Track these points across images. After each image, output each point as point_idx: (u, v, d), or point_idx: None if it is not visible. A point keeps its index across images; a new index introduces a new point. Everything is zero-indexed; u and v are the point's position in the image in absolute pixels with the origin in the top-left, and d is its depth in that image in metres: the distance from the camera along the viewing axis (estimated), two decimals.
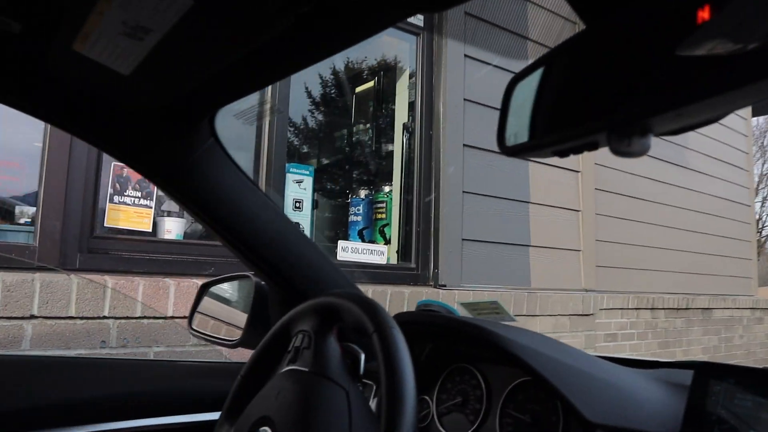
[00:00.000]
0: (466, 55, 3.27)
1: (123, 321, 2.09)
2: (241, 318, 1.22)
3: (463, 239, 3.19)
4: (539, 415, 0.89)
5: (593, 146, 0.45)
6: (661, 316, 4.91)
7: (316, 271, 1.12)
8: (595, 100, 0.43)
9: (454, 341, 1.05)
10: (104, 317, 2.05)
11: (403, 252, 3.22)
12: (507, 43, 3.48)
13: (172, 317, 2.19)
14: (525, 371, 0.85)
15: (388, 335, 0.71)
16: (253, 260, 1.08)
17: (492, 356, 0.99)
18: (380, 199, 3.56)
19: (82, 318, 2.02)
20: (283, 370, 0.81)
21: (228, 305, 1.33)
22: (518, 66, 2.73)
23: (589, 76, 0.45)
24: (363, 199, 3.67)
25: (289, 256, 1.09)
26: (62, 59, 0.74)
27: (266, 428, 0.73)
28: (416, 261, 3.13)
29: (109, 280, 2.12)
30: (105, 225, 2.32)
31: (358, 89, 4.20)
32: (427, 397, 1.07)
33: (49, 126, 2.11)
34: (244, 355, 1.05)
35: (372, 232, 3.55)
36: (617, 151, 0.42)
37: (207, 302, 1.34)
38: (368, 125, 4.17)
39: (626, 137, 0.41)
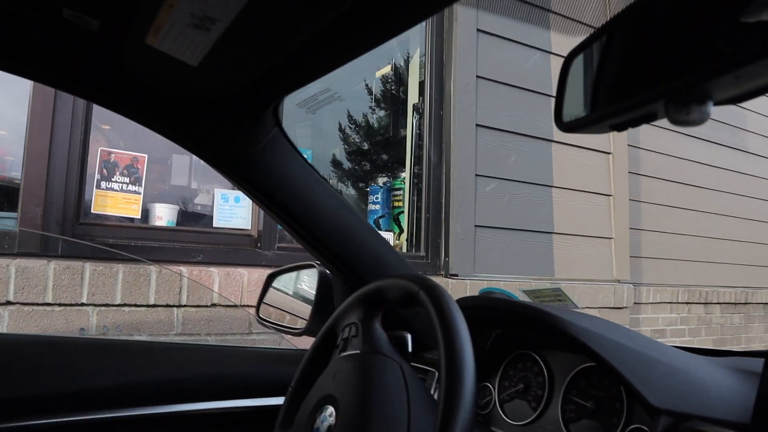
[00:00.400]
0: (478, 30, 3.09)
1: (103, 308, 2.05)
2: (306, 306, 1.29)
3: (476, 226, 3.02)
4: (602, 401, 0.88)
5: (652, 117, 0.45)
6: (716, 311, 4.59)
7: (378, 258, 1.14)
8: (652, 69, 0.44)
9: (517, 327, 1.05)
10: (83, 304, 2.03)
11: (414, 240, 3.08)
12: (524, 14, 3.27)
13: (155, 305, 2.14)
14: (588, 356, 0.85)
15: (434, 288, 0.73)
16: (317, 248, 1.11)
17: (554, 342, 0.99)
18: (397, 187, 3.46)
19: (60, 305, 2.00)
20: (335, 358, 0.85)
21: (293, 294, 1.38)
22: (536, 39, 2.57)
23: (646, 45, 0.46)
24: (381, 187, 3.58)
25: (352, 244, 1.12)
26: (136, 53, 0.78)
27: (328, 406, 0.75)
28: (426, 249, 2.98)
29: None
30: (92, 211, 2.30)
31: (378, 73, 4.10)
32: (489, 384, 1.08)
33: (29, 112, 2.09)
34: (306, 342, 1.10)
35: (389, 220, 3.45)
36: (676, 120, 0.42)
37: (273, 291, 1.41)
38: (387, 110, 4.05)
39: (685, 105, 0.41)
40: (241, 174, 1.01)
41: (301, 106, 4.03)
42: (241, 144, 0.98)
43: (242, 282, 2.33)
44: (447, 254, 2.96)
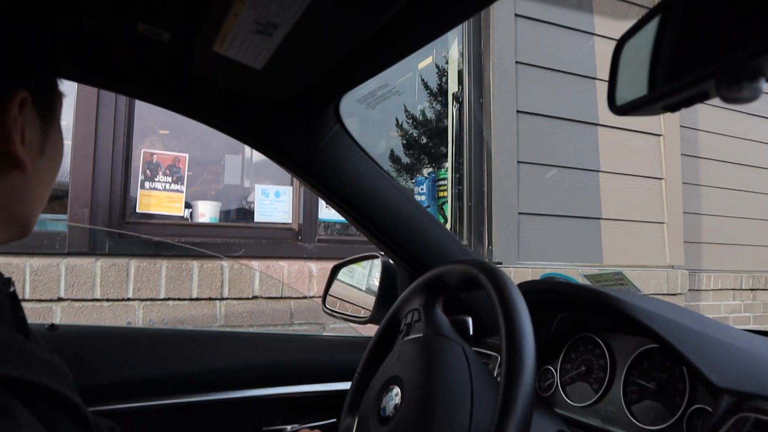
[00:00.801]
0: (516, 15, 3.02)
1: (148, 303, 2.10)
2: (370, 295, 1.34)
3: (519, 213, 2.96)
4: (665, 382, 0.88)
5: (704, 96, 0.45)
6: None
7: (440, 246, 1.17)
8: (703, 47, 0.44)
9: (579, 310, 1.05)
10: (129, 299, 2.08)
11: (457, 229, 3.04)
12: None
13: (198, 299, 2.18)
14: (650, 337, 0.86)
15: (494, 271, 0.75)
16: (380, 238, 1.15)
17: (615, 325, 0.99)
18: (442, 177, 3.44)
19: (108, 300, 2.05)
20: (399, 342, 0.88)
21: (357, 284, 1.42)
22: (577, 21, 2.50)
23: (697, 24, 0.46)
24: (426, 178, 3.57)
25: (414, 233, 1.15)
26: (204, 60, 0.83)
27: (394, 386, 0.78)
28: (469, 238, 2.94)
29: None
30: (137, 210, 2.35)
31: (420, 65, 4.08)
32: (551, 367, 1.09)
33: (74, 120, 2.16)
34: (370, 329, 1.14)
35: (434, 210, 3.43)
36: (728, 98, 0.42)
37: (339, 281, 1.46)
38: (430, 101, 4.03)
39: (736, 83, 0.41)
40: (306, 170, 1.06)
41: (361, 102, 4.05)
42: (305, 141, 1.03)
43: (283, 274, 2.35)
44: (491, 242, 2.91)
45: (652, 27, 0.50)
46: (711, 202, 4.00)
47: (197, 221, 2.49)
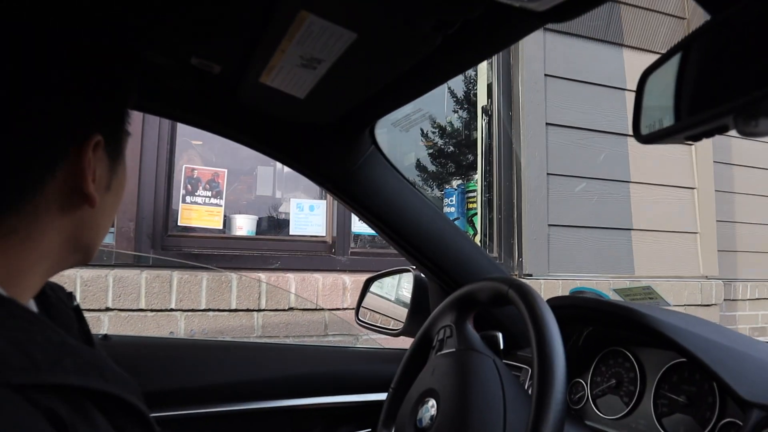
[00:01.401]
0: (545, 29, 3.05)
1: (189, 313, 2.18)
2: (402, 308, 1.37)
3: (549, 225, 2.97)
4: (695, 395, 0.89)
5: (724, 129, 0.48)
6: None
7: (471, 262, 1.20)
8: (723, 84, 0.47)
9: (606, 324, 1.07)
10: (171, 310, 2.16)
11: (487, 241, 3.06)
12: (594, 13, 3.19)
13: (236, 310, 2.25)
14: (678, 352, 0.87)
15: (523, 286, 0.78)
16: (413, 254, 1.19)
17: (645, 339, 1.00)
18: (471, 189, 3.45)
19: (152, 311, 2.13)
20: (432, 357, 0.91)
21: (387, 296, 1.46)
22: (606, 32, 2.51)
23: (718, 62, 0.49)
24: (455, 189, 3.58)
25: (446, 249, 1.18)
26: (251, 90, 0.88)
27: (430, 399, 0.81)
28: (498, 250, 2.96)
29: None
30: (179, 224, 2.44)
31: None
32: (581, 380, 1.10)
33: None
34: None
35: (463, 222, 3.45)
36: (745, 132, 0.45)
37: (372, 294, 1.50)
38: (459, 114, 4.06)
39: (753, 118, 0.44)
40: (343, 189, 1.10)
41: (396, 125, 4.13)
42: (342, 162, 1.07)
43: (317, 286, 2.41)
44: (520, 254, 2.92)
45: (674, 62, 0.53)
46: (746, 210, 3.93)
47: (235, 234, 2.57)
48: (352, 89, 0.86)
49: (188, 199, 2.47)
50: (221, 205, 2.52)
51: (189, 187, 2.48)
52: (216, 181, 2.52)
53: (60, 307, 0.68)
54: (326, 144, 1.06)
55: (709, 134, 0.50)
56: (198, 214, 2.48)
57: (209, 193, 2.51)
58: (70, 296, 0.74)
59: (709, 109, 0.47)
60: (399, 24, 0.64)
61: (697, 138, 0.51)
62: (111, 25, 0.61)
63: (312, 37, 0.67)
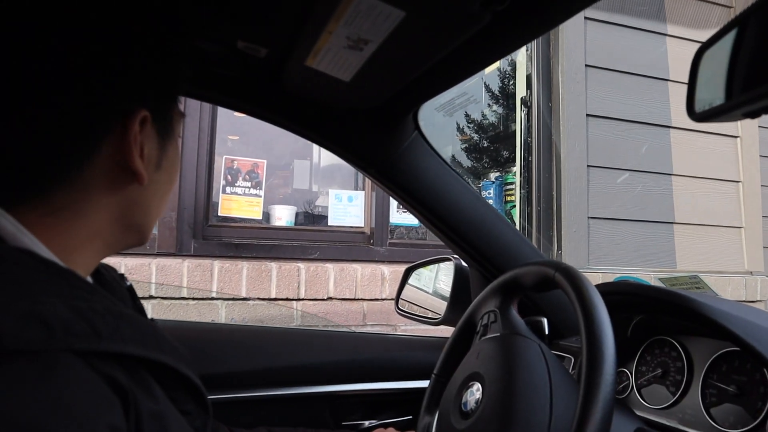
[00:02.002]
0: (586, 18, 3.00)
1: (230, 302, 2.22)
2: (442, 297, 1.37)
3: (589, 217, 2.92)
4: (745, 385, 0.87)
5: None
6: None
7: (513, 249, 1.19)
8: None
9: (657, 312, 1.05)
10: (213, 298, 2.20)
11: (525, 233, 3.03)
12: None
13: (276, 299, 2.28)
14: (730, 340, 0.85)
15: (570, 270, 0.77)
16: (456, 241, 1.18)
17: (692, 327, 0.98)
18: (509, 181, 3.42)
19: (193, 299, 2.18)
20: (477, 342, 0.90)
21: (425, 286, 1.46)
22: (649, 22, 2.46)
23: None
24: (493, 182, 3.56)
25: (488, 236, 1.17)
26: (296, 74, 0.88)
27: (475, 382, 0.80)
28: (537, 242, 2.93)
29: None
30: (219, 214, 2.48)
31: (487, 69, 4.07)
32: (625, 370, 1.09)
33: None
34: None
35: (501, 214, 3.41)
36: None
37: (411, 283, 1.50)
38: (498, 105, 4.02)
39: None
40: (385, 175, 1.10)
41: (439, 110, 4.11)
42: (384, 148, 1.07)
43: (356, 277, 2.42)
44: (560, 247, 2.89)
45: (729, 38, 0.52)
46: None
47: (274, 224, 2.60)
48: (398, 71, 0.85)
49: (228, 189, 2.51)
50: (260, 196, 2.56)
51: (229, 177, 2.52)
52: (255, 172, 2.56)
53: (114, 285, 0.70)
54: (370, 129, 1.05)
55: (766, 111, 0.50)
56: (238, 204, 2.52)
57: (249, 184, 2.54)
58: (123, 277, 0.76)
59: (764, 85, 0.47)
60: (448, 1, 0.63)
61: (756, 114, 0.51)
62: (160, 6, 0.61)
63: (360, 16, 0.66)
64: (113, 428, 0.42)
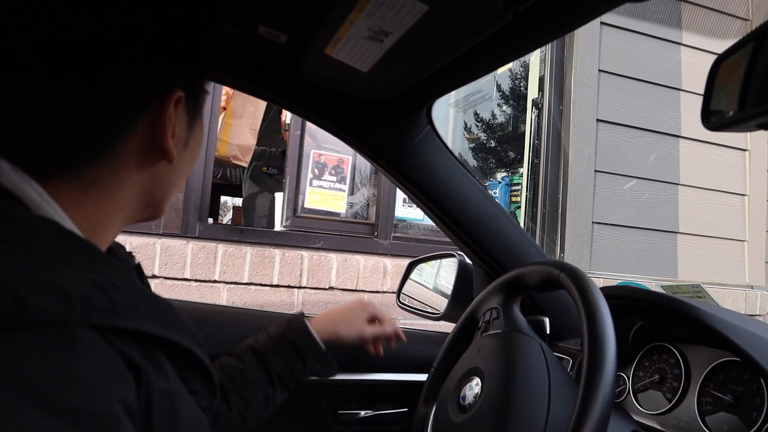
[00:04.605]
0: (602, 23, 2.99)
1: (232, 286, 2.23)
2: (444, 292, 1.37)
3: (593, 222, 2.93)
4: (741, 395, 0.87)
5: None
6: None
7: (519, 249, 1.20)
8: None
9: (657, 318, 1.05)
10: (215, 281, 2.21)
11: (528, 234, 3.03)
12: (650, 7, 3.12)
13: (278, 285, 2.29)
14: (730, 349, 0.85)
15: (574, 270, 0.77)
16: (461, 237, 1.18)
17: (692, 335, 0.99)
18: (516, 182, 3.42)
19: (196, 281, 2.19)
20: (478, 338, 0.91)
21: (426, 282, 1.47)
22: (664, 30, 2.46)
23: None
24: (499, 182, 3.56)
25: (495, 234, 1.18)
26: (314, 62, 0.88)
27: (474, 377, 0.81)
28: (541, 245, 2.93)
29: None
30: (305, 206, 2.54)
31: (499, 70, 4.06)
32: (623, 374, 1.10)
33: None
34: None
35: None
36: None
37: (414, 277, 1.50)
38: (508, 105, 4.02)
39: None
40: (396, 168, 1.10)
41: (453, 107, 4.11)
42: (397, 140, 1.07)
43: (359, 268, 2.43)
44: (562, 250, 2.90)
45: (747, 51, 0.53)
46: None
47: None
48: (415, 65, 0.84)
49: (315, 183, 2.58)
50: (344, 190, 2.64)
51: (316, 171, 2.58)
52: (341, 167, 2.62)
53: (124, 263, 0.71)
54: (383, 121, 1.06)
55: None
56: (323, 197, 2.58)
57: (334, 178, 2.61)
58: (131, 255, 0.77)
59: None
60: None
61: None
62: None
63: (383, 8, 0.66)
64: (124, 403, 0.42)
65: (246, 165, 2.67)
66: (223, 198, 5.42)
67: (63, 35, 0.50)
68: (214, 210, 4.96)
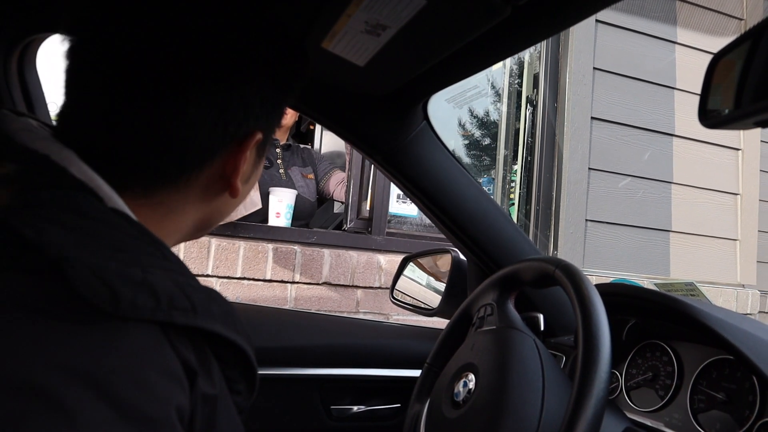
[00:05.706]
0: (597, 21, 2.99)
1: (225, 280, 2.22)
2: (438, 289, 1.37)
3: (587, 220, 2.93)
4: (734, 393, 0.87)
5: None
6: None
7: (513, 245, 1.20)
8: None
9: (651, 315, 1.05)
10: (208, 275, 2.20)
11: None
12: (645, 4, 3.12)
13: (270, 280, 2.28)
14: (723, 347, 0.85)
15: (569, 267, 0.78)
16: (456, 233, 1.19)
17: (685, 333, 0.99)
18: (511, 179, 3.41)
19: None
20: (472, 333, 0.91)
21: (419, 278, 1.47)
22: (659, 29, 2.46)
23: None
24: (493, 179, 3.55)
25: (489, 230, 1.18)
26: (310, 55, 0.87)
27: (468, 373, 0.81)
28: (534, 241, 2.93)
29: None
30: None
31: (494, 66, 4.06)
32: (615, 371, 1.10)
33: None
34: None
35: None
36: None
37: (408, 273, 1.50)
38: (502, 102, 4.02)
39: None
40: (391, 163, 1.10)
41: (450, 102, 4.10)
42: (393, 135, 1.07)
43: (352, 264, 2.43)
44: (556, 247, 2.90)
45: (743, 49, 0.54)
46: None
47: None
48: (412, 60, 0.85)
49: None
50: None
51: None
52: None
53: None
54: (378, 116, 1.06)
55: None
56: None
57: None
58: None
59: None
60: None
61: (766, 124, 0.53)
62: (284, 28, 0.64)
63: (381, 2, 0.67)
64: (179, 410, 0.42)
65: None
66: None
67: (172, 70, 0.53)
68: None
